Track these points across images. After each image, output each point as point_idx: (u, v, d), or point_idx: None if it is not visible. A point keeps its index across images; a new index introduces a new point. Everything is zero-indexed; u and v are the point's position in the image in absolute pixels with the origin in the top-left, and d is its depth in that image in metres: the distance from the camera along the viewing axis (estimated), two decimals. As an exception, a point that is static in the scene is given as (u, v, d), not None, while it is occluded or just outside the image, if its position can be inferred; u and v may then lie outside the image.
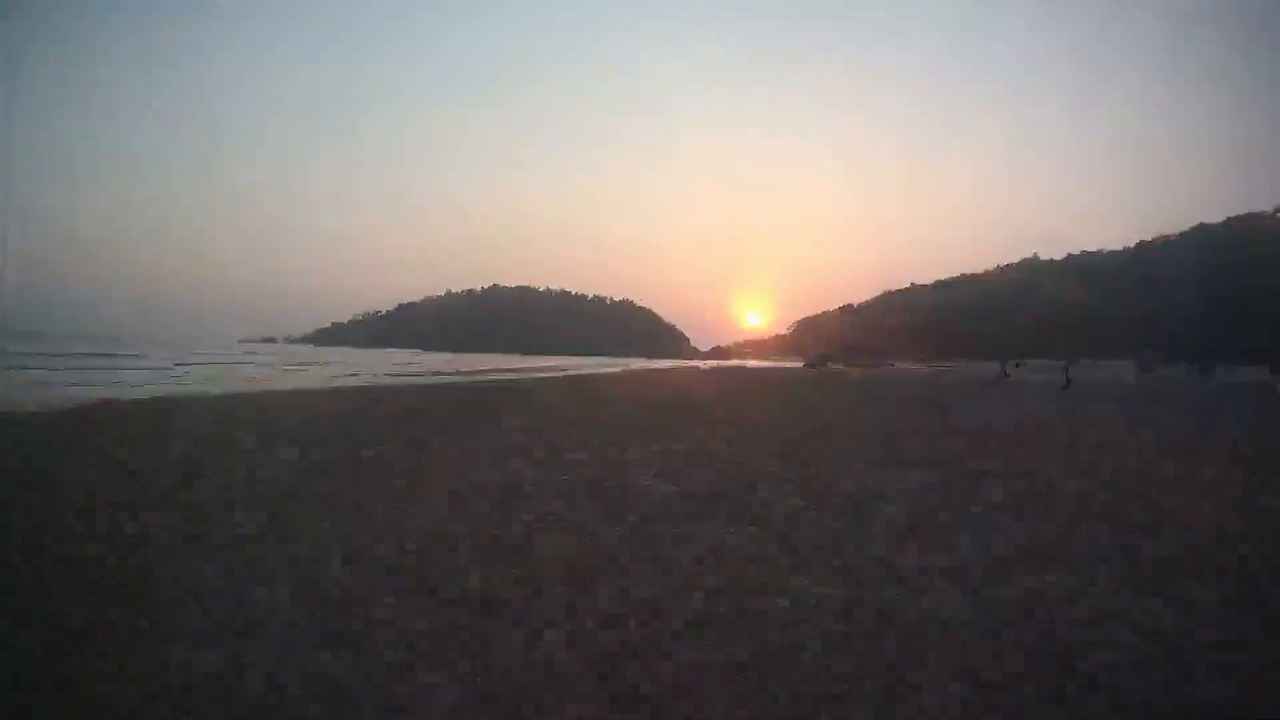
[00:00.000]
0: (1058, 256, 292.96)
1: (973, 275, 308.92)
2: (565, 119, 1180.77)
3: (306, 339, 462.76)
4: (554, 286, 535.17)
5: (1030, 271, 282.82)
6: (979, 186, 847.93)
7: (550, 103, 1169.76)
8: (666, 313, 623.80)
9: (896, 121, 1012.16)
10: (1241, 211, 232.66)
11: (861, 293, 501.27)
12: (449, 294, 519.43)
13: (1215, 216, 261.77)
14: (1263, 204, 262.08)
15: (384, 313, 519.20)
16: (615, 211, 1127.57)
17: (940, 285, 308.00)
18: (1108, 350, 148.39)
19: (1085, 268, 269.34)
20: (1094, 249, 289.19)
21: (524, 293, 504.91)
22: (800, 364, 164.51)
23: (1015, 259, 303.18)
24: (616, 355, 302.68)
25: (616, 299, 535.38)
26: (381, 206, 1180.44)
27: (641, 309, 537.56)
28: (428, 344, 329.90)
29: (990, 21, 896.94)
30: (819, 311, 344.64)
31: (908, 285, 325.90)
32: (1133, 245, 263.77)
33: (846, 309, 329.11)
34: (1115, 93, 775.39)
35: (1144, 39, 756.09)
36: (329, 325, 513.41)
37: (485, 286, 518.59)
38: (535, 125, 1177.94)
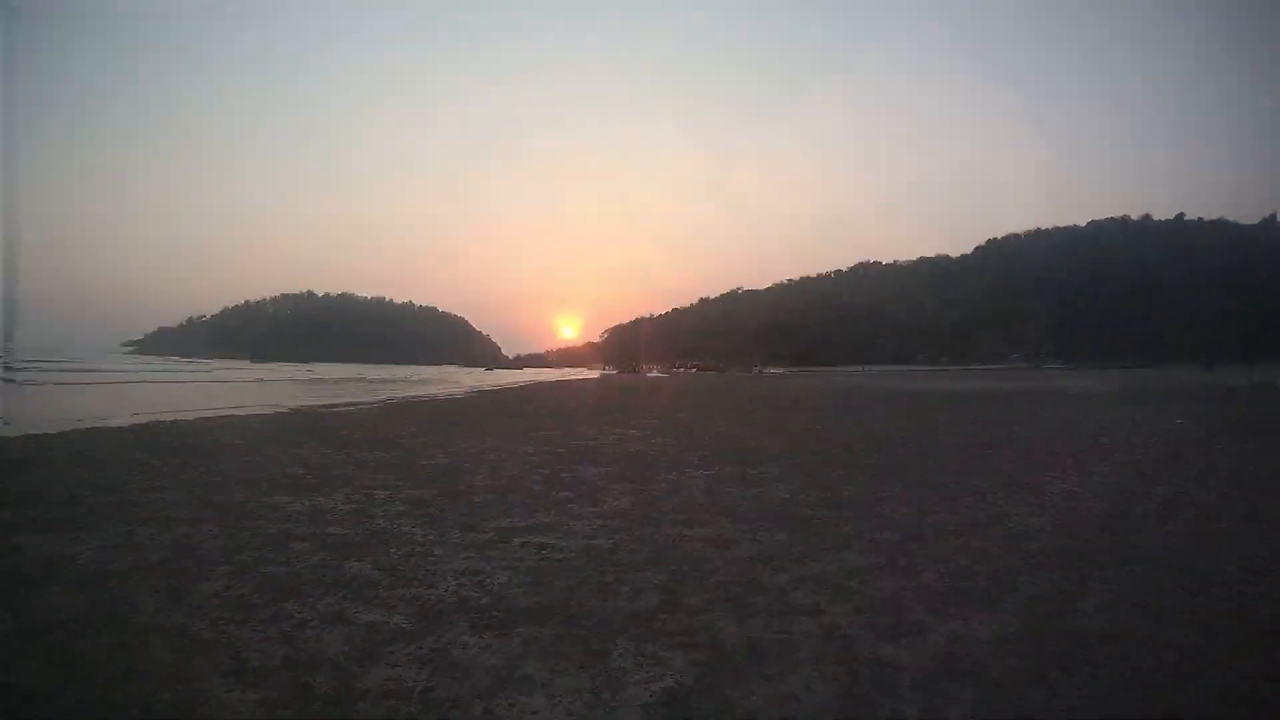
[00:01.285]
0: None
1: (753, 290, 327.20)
2: (383, 122, 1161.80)
3: (125, 347, 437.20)
4: (372, 294, 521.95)
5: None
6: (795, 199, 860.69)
7: (369, 106, 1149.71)
8: (478, 322, 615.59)
9: (709, 130, 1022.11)
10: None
11: (662, 304, 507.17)
12: (263, 300, 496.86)
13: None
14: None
15: (207, 317, 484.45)
16: (427, 219, 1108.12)
17: (724, 297, 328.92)
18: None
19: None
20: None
21: (344, 300, 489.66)
22: (610, 370, 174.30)
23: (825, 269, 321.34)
24: (433, 363, 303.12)
25: (426, 305, 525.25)
26: (198, 211, 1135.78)
27: (454, 317, 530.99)
28: (235, 352, 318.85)
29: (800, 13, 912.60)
30: (629, 320, 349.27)
31: (697, 300, 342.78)
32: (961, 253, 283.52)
33: (645, 319, 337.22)
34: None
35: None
36: (156, 329, 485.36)
37: (301, 292, 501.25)
38: (354, 129, 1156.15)
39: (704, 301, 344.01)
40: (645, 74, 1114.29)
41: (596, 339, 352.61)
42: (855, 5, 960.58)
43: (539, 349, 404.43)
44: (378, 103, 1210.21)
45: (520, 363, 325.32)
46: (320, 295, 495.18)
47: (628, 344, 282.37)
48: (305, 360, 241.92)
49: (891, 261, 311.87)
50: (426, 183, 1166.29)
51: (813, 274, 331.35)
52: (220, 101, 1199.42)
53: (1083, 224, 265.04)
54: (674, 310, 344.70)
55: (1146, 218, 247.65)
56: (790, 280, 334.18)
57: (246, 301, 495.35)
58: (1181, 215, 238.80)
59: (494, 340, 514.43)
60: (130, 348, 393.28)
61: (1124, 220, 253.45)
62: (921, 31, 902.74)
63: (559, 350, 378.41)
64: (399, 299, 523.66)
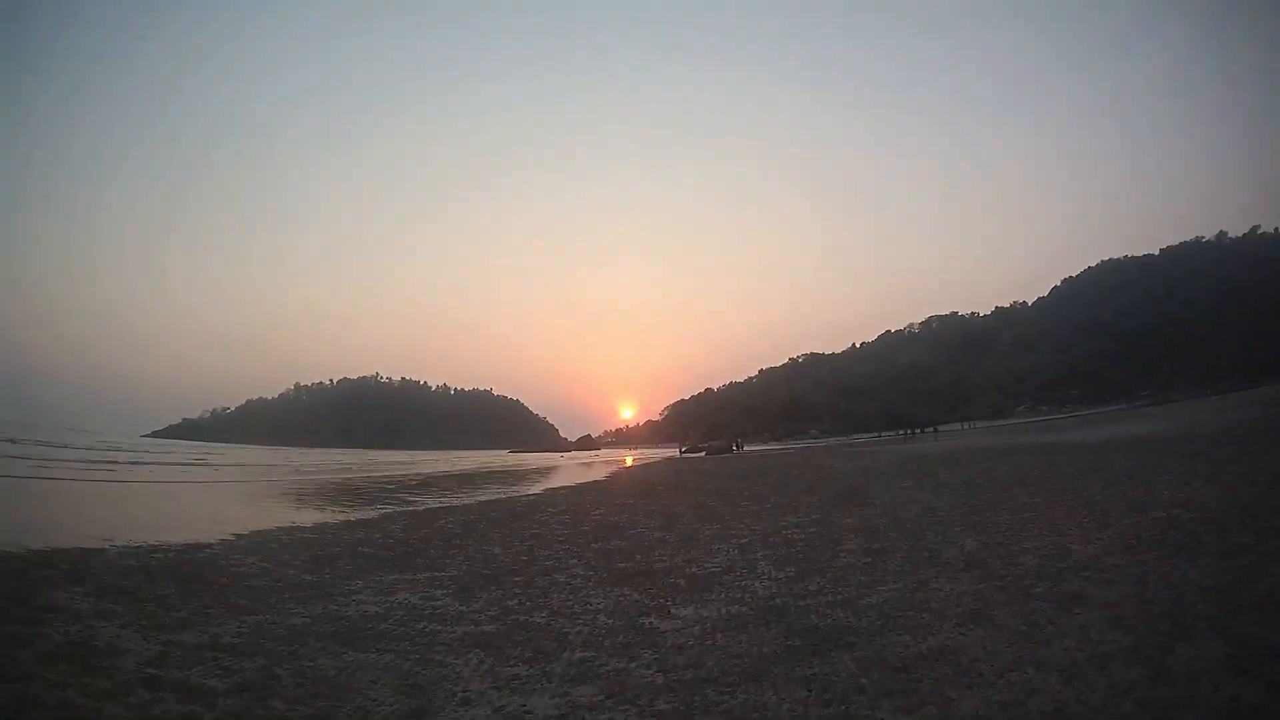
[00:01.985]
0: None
1: (820, 354, 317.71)
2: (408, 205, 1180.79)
3: (149, 436, 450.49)
4: (431, 381, 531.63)
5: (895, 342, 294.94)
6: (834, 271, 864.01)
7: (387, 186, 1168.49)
8: (533, 404, 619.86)
9: (744, 206, 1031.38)
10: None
11: (716, 379, 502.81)
12: (298, 387, 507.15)
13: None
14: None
15: (231, 409, 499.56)
16: (472, 306, 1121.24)
17: (792, 363, 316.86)
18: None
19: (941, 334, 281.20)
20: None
21: (383, 386, 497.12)
22: (681, 449, 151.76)
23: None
24: (486, 446, 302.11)
25: (472, 388, 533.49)
26: (217, 299, 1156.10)
27: (507, 399, 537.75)
28: (280, 439, 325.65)
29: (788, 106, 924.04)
30: (688, 396, 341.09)
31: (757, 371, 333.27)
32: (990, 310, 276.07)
33: (708, 393, 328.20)
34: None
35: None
36: (179, 421, 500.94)
37: (334, 380, 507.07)
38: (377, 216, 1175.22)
39: (763, 373, 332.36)
40: (698, 148, 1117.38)
41: (656, 416, 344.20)
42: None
43: (599, 429, 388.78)
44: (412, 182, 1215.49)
45: (579, 445, 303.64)
46: (346, 381, 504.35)
47: (692, 418, 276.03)
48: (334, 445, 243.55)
49: (970, 313, 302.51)
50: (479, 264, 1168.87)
51: (891, 329, 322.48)
52: (228, 183, 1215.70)
53: (1156, 251, 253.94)
54: (730, 384, 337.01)
55: (1222, 235, 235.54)
56: (863, 343, 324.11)
57: (281, 393, 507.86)
58: (1256, 228, 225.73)
59: (551, 422, 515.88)
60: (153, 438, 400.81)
61: (1198, 242, 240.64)
62: (963, 47, 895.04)
63: (616, 431, 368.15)
64: (441, 383, 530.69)
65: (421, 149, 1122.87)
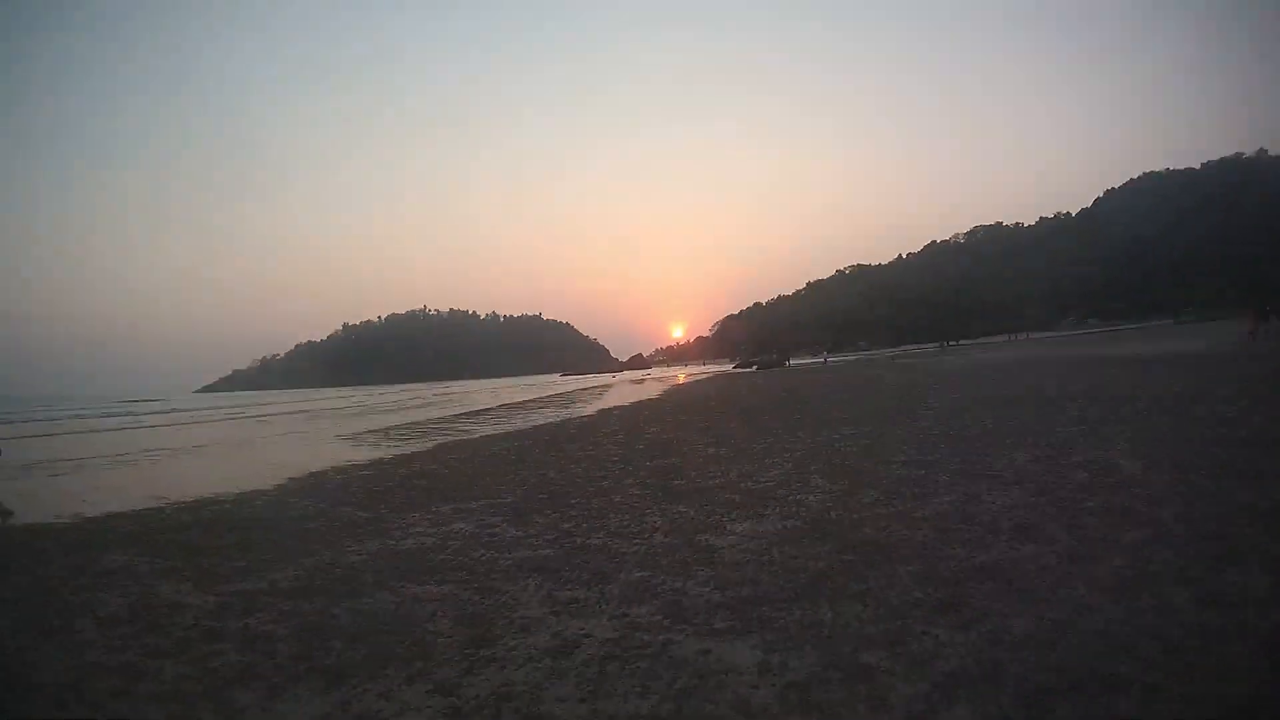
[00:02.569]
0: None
1: (867, 265, 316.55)
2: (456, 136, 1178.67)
3: (206, 389, 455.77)
4: (480, 310, 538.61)
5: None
6: (878, 180, 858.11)
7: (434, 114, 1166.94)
8: (583, 327, 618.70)
9: (791, 119, 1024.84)
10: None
11: (764, 293, 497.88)
12: (346, 328, 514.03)
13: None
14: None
15: (281, 355, 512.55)
16: (519, 231, 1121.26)
17: (840, 275, 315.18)
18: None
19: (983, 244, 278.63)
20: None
21: (432, 319, 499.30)
22: (732, 365, 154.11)
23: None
24: (538, 371, 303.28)
25: (521, 314, 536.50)
26: (259, 247, 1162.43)
27: (557, 323, 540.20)
28: (331, 380, 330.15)
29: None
30: (736, 311, 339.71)
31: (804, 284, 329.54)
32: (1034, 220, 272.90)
33: (757, 307, 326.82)
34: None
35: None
36: (230, 373, 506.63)
37: (382, 317, 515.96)
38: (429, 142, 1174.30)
39: (810, 286, 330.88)
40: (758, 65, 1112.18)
41: (707, 332, 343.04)
42: None
43: (650, 348, 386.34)
44: (457, 120, 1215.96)
45: (630, 365, 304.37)
46: (395, 316, 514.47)
47: (742, 333, 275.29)
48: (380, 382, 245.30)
49: (1015, 224, 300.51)
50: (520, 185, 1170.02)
51: (938, 239, 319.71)
52: (292, 125, 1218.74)
53: (1197, 166, 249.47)
54: (779, 298, 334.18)
55: (1262, 152, 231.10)
56: (909, 254, 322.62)
57: (330, 334, 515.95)
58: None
59: (602, 344, 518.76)
60: (206, 391, 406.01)
61: (1239, 158, 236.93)
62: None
63: (667, 349, 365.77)
64: (490, 311, 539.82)
65: (466, 83, 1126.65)
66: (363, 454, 24.12)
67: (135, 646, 6.81)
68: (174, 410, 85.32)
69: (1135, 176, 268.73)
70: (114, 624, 7.51)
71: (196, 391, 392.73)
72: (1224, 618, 5.47)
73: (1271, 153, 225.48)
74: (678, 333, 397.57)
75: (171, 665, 6.33)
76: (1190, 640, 5.15)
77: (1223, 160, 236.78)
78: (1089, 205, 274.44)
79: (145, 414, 75.93)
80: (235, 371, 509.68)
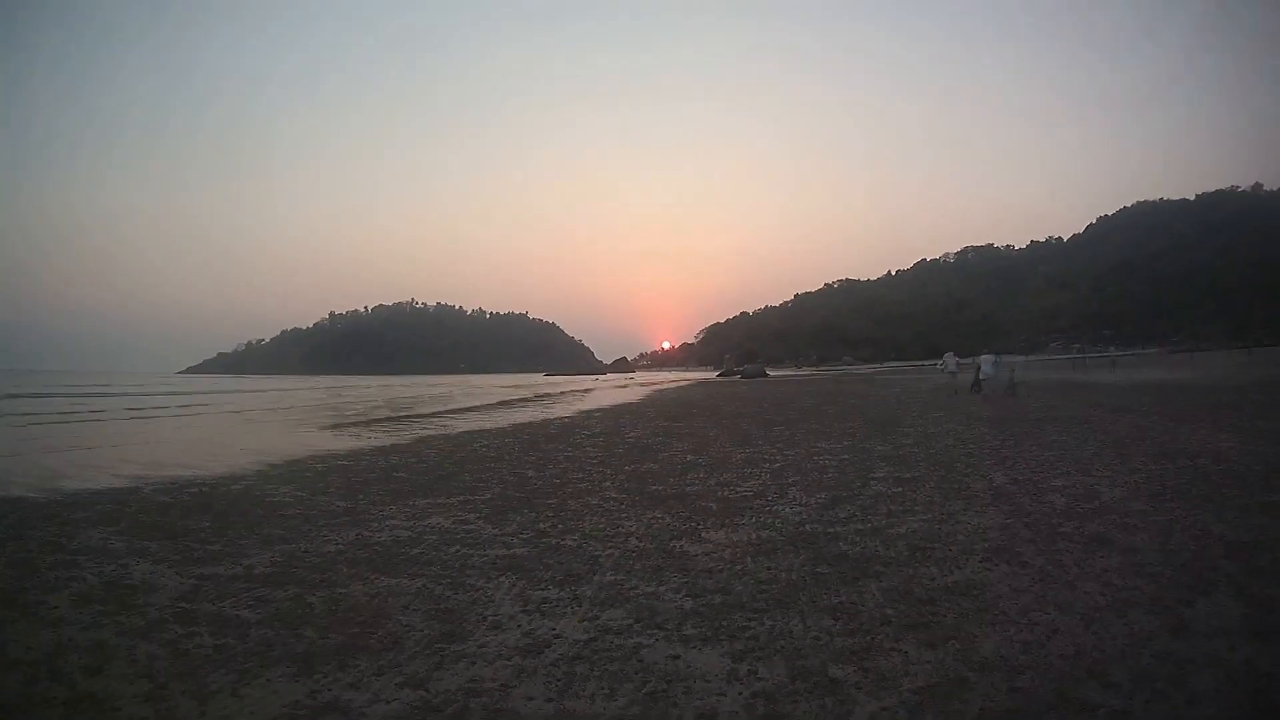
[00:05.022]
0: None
1: (855, 280, 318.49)
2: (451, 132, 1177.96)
3: (189, 370, 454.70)
4: (467, 305, 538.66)
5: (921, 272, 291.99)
6: (871, 194, 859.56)
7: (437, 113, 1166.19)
8: (569, 327, 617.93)
9: (789, 131, 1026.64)
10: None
11: (751, 303, 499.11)
12: (332, 316, 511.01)
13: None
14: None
15: (267, 340, 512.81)
16: (508, 229, 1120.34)
17: (828, 289, 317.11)
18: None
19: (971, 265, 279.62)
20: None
21: (419, 311, 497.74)
22: (715, 373, 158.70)
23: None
24: (522, 369, 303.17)
25: (508, 312, 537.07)
26: (248, 233, 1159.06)
27: (544, 322, 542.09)
28: (315, 368, 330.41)
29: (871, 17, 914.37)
30: (723, 319, 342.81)
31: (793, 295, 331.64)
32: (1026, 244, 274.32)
33: (743, 316, 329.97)
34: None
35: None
36: (214, 356, 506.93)
37: (369, 307, 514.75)
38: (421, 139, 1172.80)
39: (798, 297, 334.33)
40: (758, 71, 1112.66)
41: (692, 339, 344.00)
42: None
43: (635, 352, 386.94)
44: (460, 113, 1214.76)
45: (614, 368, 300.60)
46: (392, 305, 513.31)
47: (728, 341, 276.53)
48: (357, 373, 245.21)
49: (1006, 246, 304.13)
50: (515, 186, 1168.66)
51: (927, 258, 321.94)
52: (275, 113, 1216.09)
53: (1191, 197, 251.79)
54: (766, 308, 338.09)
55: (1258, 186, 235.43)
56: (899, 270, 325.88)
57: (316, 322, 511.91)
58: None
59: (587, 345, 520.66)
60: (188, 374, 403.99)
61: (1233, 191, 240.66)
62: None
63: (652, 354, 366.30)
64: (476, 307, 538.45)
65: (456, 72, 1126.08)
66: (343, 443, 24.08)
67: (109, 625, 6.81)
68: (140, 394, 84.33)
69: (1129, 205, 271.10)
70: (88, 602, 7.52)
71: (179, 373, 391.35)
72: (1194, 648, 5.53)
73: (1268, 187, 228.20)
74: (663, 338, 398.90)
75: (145, 645, 6.33)
76: (1161, 668, 5.22)
77: (1218, 192, 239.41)
78: (1080, 231, 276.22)
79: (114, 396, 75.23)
80: (220, 354, 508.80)
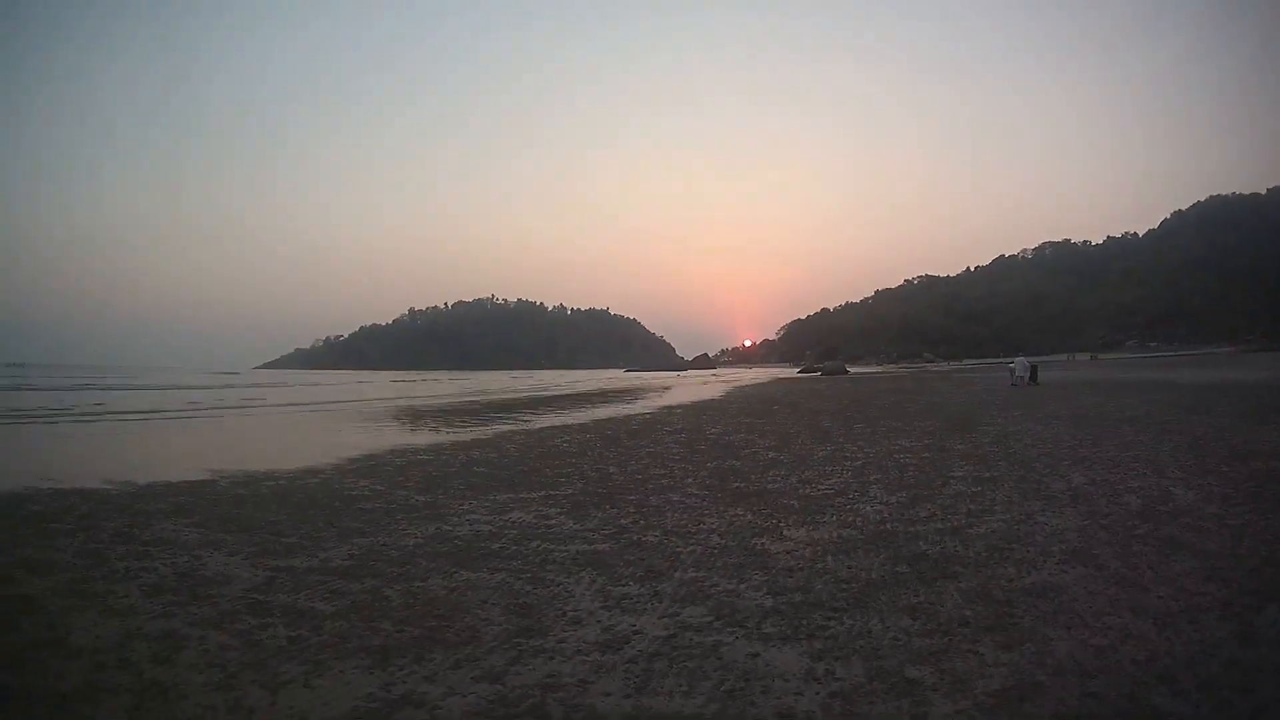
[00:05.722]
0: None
1: (935, 276, 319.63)
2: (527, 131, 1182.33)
3: (266, 365, 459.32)
4: (548, 302, 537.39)
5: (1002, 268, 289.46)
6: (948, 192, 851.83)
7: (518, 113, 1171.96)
8: (650, 323, 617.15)
9: (865, 127, 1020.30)
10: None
11: (832, 299, 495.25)
12: (412, 312, 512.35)
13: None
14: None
15: (345, 336, 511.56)
16: (593, 226, 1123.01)
17: (907, 285, 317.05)
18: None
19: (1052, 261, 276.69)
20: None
21: (499, 307, 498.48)
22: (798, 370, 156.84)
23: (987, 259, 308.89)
24: (604, 365, 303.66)
25: (589, 308, 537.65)
26: (333, 228, 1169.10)
27: (625, 318, 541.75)
28: (394, 364, 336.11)
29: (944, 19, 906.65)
30: (804, 315, 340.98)
31: (873, 292, 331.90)
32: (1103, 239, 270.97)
33: (824, 313, 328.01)
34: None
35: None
36: (292, 351, 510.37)
37: (449, 303, 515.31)
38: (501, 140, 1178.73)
39: (878, 294, 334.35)
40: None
41: (773, 336, 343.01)
42: None
43: (715, 348, 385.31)
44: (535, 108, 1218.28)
45: (695, 364, 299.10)
46: (466, 302, 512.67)
47: (808, 339, 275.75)
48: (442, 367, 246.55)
49: (1082, 241, 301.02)
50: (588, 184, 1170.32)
51: (1006, 254, 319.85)
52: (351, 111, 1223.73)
53: (1262, 191, 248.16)
54: (846, 304, 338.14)
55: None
56: (977, 266, 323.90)
57: (395, 318, 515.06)
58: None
59: (668, 341, 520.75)
60: (265, 368, 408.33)
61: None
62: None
63: (734, 350, 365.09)
64: (558, 303, 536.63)
65: (550, 75, 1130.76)
66: (422, 438, 24.21)
67: (180, 615, 6.86)
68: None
69: (1201, 199, 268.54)
70: (159, 592, 7.58)
71: (256, 368, 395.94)
72: (1264, 655, 5.46)
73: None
74: (744, 335, 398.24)
75: (215, 635, 6.37)
76: (1229, 676, 5.13)
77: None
78: (1155, 226, 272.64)
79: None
80: (298, 349, 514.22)
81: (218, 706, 5.10)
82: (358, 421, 34.37)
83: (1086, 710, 4.71)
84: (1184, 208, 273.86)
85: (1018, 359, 57.77)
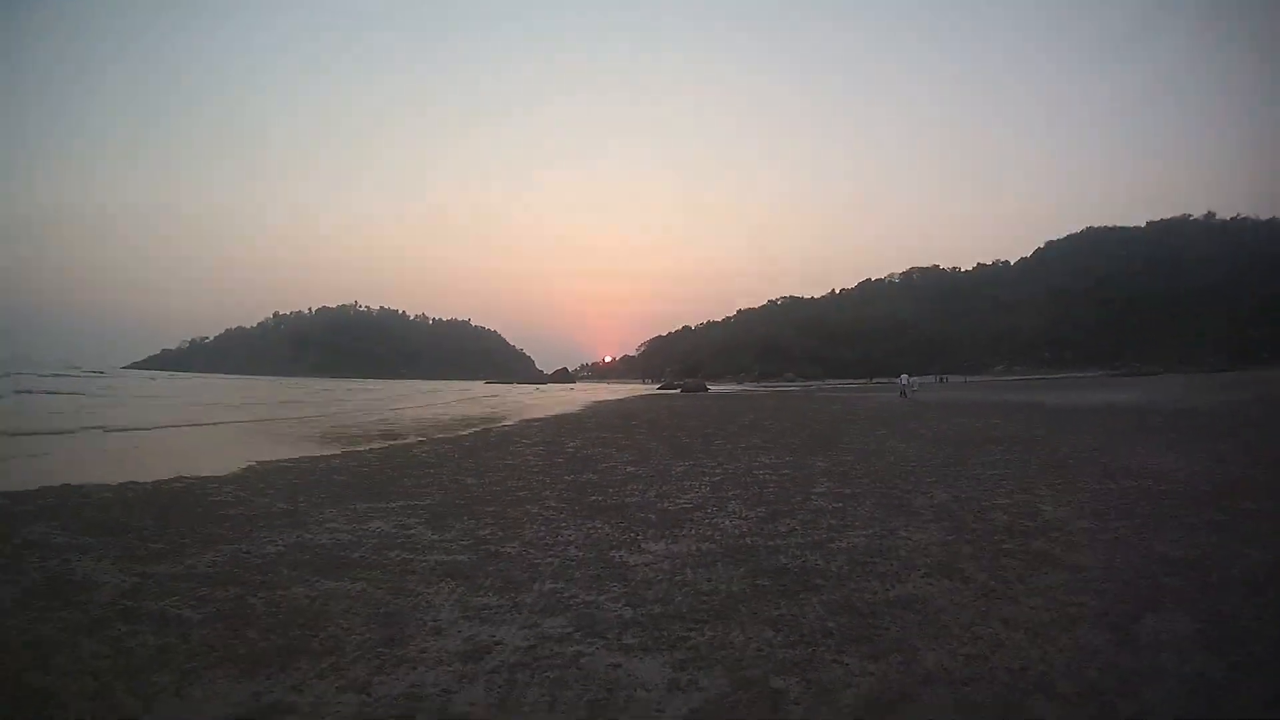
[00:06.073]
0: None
1: (799, 298, 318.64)
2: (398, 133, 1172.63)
3: (134, 365, 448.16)
4: (410, 310, 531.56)
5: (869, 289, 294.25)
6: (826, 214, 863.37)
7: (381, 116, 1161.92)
8: (511, 336, 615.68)
9: (736, 149, 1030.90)
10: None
11: (693, 317, 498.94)
12: (276, 316, 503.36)
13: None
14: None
15: (210, 339, 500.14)
16: (449, 234, 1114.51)
17: (771, 305, 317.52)
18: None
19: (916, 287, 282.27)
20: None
21: (362, 315, 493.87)
22: (656, 386, 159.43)
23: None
24: (463, 377, 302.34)
25: (450, 319, 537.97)
26: (195, 227, 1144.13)
27: (486, 330, 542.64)
28: (258, 369, 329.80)
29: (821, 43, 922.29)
30: (665, 333, 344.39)
31: (735, 312, 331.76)
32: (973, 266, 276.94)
33: (685, 331, 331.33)
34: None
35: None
36: (158, 352, 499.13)
37: (313, 309, 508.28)
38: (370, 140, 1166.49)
39: (741, 313, 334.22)
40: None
41: (633, 352, 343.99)
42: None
43: (575, 363, 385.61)
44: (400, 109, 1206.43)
45: (555, 378, 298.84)
46: (334, 307, 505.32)
47: (669, 356, 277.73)
48: (310, 375, 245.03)
49: (952, 268, 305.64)
50: (451, 192, 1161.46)
51: (872, 278, 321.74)
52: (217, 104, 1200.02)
53: (1141, 224, 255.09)
54: (708, 323, 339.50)
55: (1210, 215, 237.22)
56: (843, 289, 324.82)
57: (260, 322, 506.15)
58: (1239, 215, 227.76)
59: (528, 355, 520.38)
60: (134, 368, 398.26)
61: (1185, 219, 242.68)
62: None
63: (593, 366, 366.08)
64: (420, 313, 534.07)
65: (421, 81, 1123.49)
66: (284, 449, 23.92)
67: (52, 620, 6.79)
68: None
69: (1077, 231, 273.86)
70: (30, 597, 7.48)
71: (124, 367, 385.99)
72: (1142, 661, 5.62)
73: (1219, 216, 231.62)
74: (604, 351, 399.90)
75: (88, 642, 6.30)
76: (1109, 682, 5.29)
77: (1167, 221, 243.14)
78: (1028, 255, 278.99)
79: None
80: (164, 350, 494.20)
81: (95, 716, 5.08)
82: (228, 430, 33.92)
83: (959, 718, 4.85)
84: (1058, 238, 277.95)
85: (903, 376, 68.35)
